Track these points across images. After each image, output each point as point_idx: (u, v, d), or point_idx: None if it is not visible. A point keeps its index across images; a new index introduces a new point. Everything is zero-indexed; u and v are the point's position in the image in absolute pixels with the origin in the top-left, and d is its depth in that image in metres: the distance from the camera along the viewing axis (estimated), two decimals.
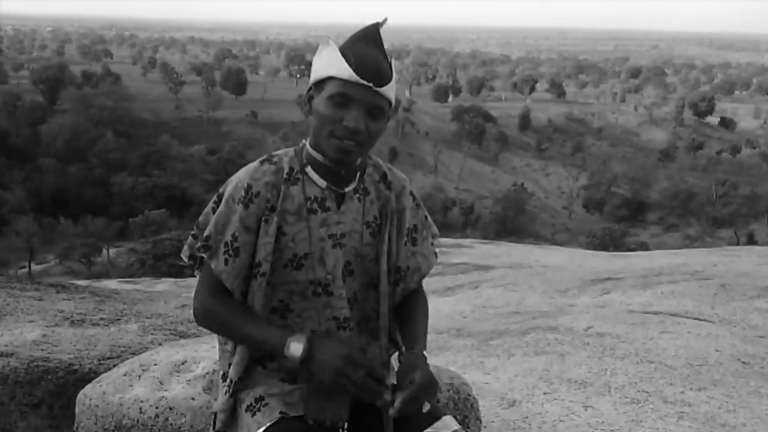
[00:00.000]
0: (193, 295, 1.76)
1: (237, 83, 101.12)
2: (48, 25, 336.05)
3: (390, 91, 1.62)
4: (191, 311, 3.95)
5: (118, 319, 3.54)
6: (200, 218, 1.73)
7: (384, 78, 1.60)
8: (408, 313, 1.80)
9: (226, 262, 1.65)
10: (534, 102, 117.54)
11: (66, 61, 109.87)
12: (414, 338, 1.72)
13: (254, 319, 1.66)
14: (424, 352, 1.68)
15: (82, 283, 6.64)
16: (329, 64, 1.60)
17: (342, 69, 1.58)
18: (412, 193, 1.81)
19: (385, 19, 1.67)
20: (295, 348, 1.58)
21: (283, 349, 1.59)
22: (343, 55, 1.59)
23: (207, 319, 1.70)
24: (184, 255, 1.75)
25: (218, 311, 1.68)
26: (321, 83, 1.62)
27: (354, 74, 1.57)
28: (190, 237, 1.74)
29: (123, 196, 59.46)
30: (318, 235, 1.67)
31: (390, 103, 1.64)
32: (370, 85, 1.59)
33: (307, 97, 1.67)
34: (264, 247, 1.65)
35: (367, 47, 1.62)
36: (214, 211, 1.70)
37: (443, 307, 6.16)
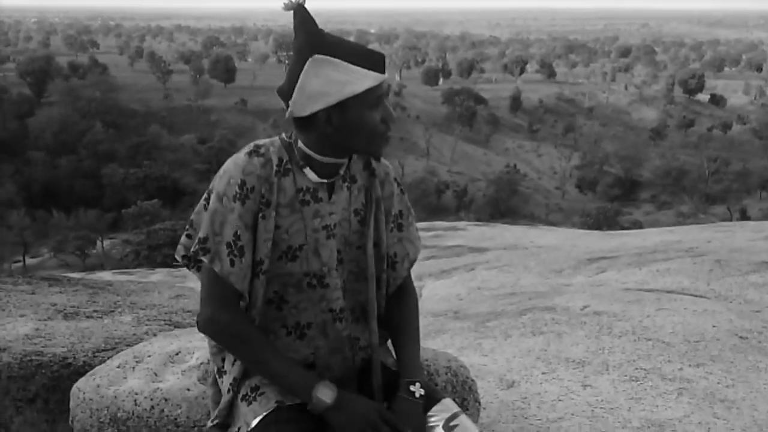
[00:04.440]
0: (199, 297, 1.69)
1: (225, 71, 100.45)
2: (33, 16, 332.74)
3: None
4: (186, 302, 3.93)
5: (112, 311, 3.50)
6: (193, 216, 1.68)
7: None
8: (399, 321, 1.77)
9: (232, 263, 1.59)
10: (524, 83, 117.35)
11: (52, 53, 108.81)
12: (404, 369, 1.69)
13: (276, 350, 1.63)
14: (417, 390, 1.65)
15: (75, 275, 6.61)
16: (349, 80, 1.56)
17: (371, 78, 1.57)
18: (396, 179, 1.78)
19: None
20: (325, 393, 1.57)
21: (310, 391, 1.57)
22: (353, 64, 1.57)
23: (219, 334, 1.65)
24: (179, 255, 1.69)
25: (236, 331, 1.62)
26: (343, 101, 1.57)
27: (380, 75, 1.59)
28: (183, 236, 1.69)
29: (114, 188, 59.22)
30: (312, 226, 1.64)
31: None
32: (386, 75, 1.61)
33: (323, 119, 1.58)
34: (264, 243, 1.61)
35: (339, 40, 1.60)
36: (206, 208, 1.65)
37: (439, 290, 6.15)
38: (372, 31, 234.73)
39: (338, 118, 1.58)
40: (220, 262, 1.59)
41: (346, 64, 1.56)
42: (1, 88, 79.40)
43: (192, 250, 1.63)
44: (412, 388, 1.64)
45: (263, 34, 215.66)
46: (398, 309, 1.77)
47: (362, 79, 1.56)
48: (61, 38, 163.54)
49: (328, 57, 1.56)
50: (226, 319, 1.61)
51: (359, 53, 1.58)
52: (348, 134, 1.60)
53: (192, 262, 1.70)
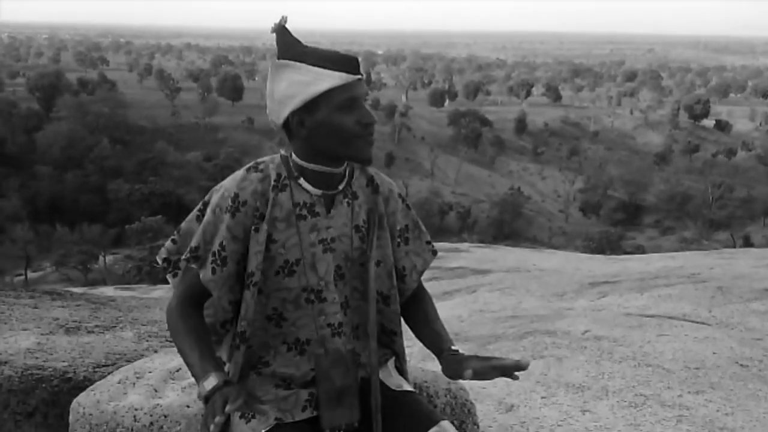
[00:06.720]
0: None
1: (233, 89, 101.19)
2: (44, 32, 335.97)
3: None
4: None
5: (114, 327, 3.52)
6: (182, 224, 1.72)
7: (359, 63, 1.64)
8: (423, 315, 1.83)
9: (214, 271, 1.64)
10: (530, 106, 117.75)
11: (62, 69, 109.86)
12: (440, 340, 1.75)
13: (198, 343, 1.63)
14: (458, 349, 1.70)
15: (78, 290, 6.62)
16: (312, 80, 1.58)
17: (336, 77, 1.58)
18: (400, 195, 1.82)
19: (285, 18, 1.66)
20: (209, 382, 1.55)
21: (201, 381, 1.57)
22: (318, 66, 1.58)
23: (168, 324, 1.70)
24: (160, 258, 1.73)
25: (174, 319, 1.68)
26: (311, 103, 1.60)
27: (349, 75, 1.59)
28: (168, 241, 1.73)
29: (119, 203, 59.46)
30: (308, 240, 1.66)
31: None
32: (360, 76, 1.61)
33: (295, 122, 1.62)
34: (255, 256, 1.64)
35: (312, 48, 1.63)
36: (198, 218, 1.69)
37: (440, 312, 6.12)
38: (379, 52, 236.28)
39: (309, 121, 1.61)
40: (205, 270, 1.65)
41: (308, 66, 1.59)
42: (10, 103, 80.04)
43: (183, 258, 1.67)
44: (453, 348, 1.70)
45: (272, 53, 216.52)
46: (419, 310, 1.84)
47: (326, 79, 1.58)
48: (72, 54, 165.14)
49: (288, 61, 1.61)
50: (172, 306, 1.69)
51: (326, 57, 1.59)
52: (322, 137, 1.62)
53: (171, 267, 1.73)
